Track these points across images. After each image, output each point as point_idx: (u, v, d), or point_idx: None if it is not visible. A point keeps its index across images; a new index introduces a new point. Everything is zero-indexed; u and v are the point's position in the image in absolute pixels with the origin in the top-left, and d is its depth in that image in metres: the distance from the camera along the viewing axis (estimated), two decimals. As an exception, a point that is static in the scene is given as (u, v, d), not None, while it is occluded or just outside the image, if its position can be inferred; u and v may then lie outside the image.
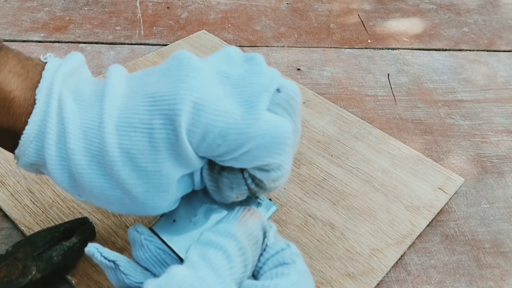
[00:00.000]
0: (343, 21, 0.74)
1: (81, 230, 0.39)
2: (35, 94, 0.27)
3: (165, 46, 0.64)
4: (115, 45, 0.65)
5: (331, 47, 0.68)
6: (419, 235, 0.44)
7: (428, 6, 0.80)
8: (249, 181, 0.29)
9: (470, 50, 0.70)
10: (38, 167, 0.29)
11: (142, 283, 0.29)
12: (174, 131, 0.26)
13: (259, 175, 0.28)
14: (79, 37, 0.66)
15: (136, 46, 0.65)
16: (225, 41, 0.66)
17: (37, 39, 0.65)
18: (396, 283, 0.41)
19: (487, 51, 0.71)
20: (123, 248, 0.40)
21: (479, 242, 0.45)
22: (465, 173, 0.51)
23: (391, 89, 0.62)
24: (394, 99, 0.60)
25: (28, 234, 0.40)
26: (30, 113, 0.27)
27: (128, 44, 0.66)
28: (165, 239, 0.31)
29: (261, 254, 0.29)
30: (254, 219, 0.29)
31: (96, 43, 0.65)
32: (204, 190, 0.32)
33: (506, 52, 0.71)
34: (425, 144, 0.54)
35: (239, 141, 0.26)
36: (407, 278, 0.41)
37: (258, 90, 0.27)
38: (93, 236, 0.40)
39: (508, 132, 0.57)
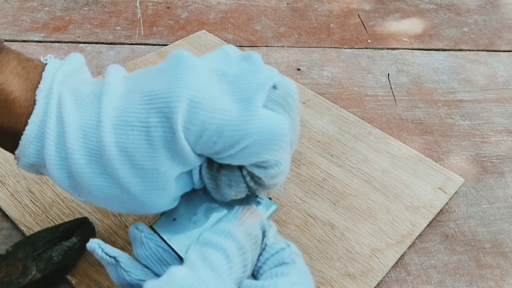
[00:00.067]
0: (343, 21, 0.74)
1: (81, 230, 0.39)
2: (35, 95, 0.27)
3: (165, 46, 0.64)
4: (115, 45, 0.65)
5: (331, 47, 0.68)
6: (419, 235, 0.44)
7: (428, 6, 0.80)
8: (248, 178, 0.29)
9: (470, 50, 0.70)
10: (38, 168, 0.30)
11: (142, 280, 0.29)
12: (170, 128, 0.26)
13: (257, 172, 0.29)
14: (79, 37, 0.66)
15: (136, 46, 0.65)
16: (225, 41, 0.66)
17: (37, 39, 0.65)
18: (396, 283, 0.41)
19: (487, 51, 0.71)
20: (123, 248, 0.40)
21: (479, 242, 0.45)
22: (465, 173, 0.51)
23: (391, 89, 0.62)
24: (394, 99, 0.60)
25: (28, 234, 0.40)
26: (30, 113, 0.27)
27: (128, 44, 0.66)
28: (165, 238, 0.31)
29: (260, 254, 0.29)
30: (253, 219, 0.29)
31: (96, 43, 0.65)
32: (204, 189, 0.32)
33: (506, 52, 0.71)
34: (425, 144, 0.54)
35: (235, 138, 0.26)
36: (407, 278, 0.41)
37: (254, 87, 0.27)
38: (93, 236, 0.40)
39: (508, 132, 0.57)
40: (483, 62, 0.68)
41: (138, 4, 0.74)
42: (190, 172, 0.30)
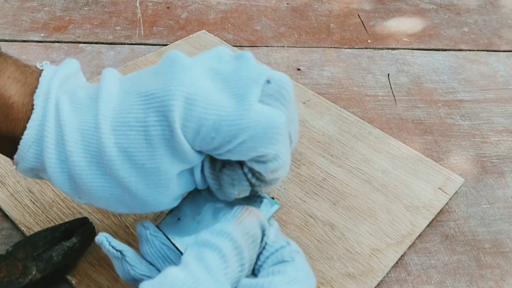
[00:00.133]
0: (343, 21, 0.74)
1: (81, 230, 0.39)
2: (33, 100, 0.28)
3: (165, 46, 0.64)
4: (115, 45, 0.65)
5: (331, 47, 0.68)
6: (419, 235, 0.44)
7: (428, 6, 0.80)
8: (249, 175, 0.30)
9: (470, 50, 0.70)
10: (37, 172, 0.30)
11: (146, 276, 0.30)
12: (169, 126, 0.26)
13: (256, 167, 0.29)
14: (79, 37, 0.66)
15: (136, 46, 0.65)
16: (225, 41, 0.66)
17: (37, 39, 0.65)
18: (396, 283, 0.41)
19: (487, 51, 0.71)
20: (123, 248, 0.40)
21: (479, 242, 0.45)
22: (465, 173, 0.51)
23: (391, 89, 0.62)
24: (394, 99, 0.60)
25: (28, 234, 0.40)
26: (29, 118, 0.28)
27: (128, 44, 0.66)
28: (169, 236, 0.32)
29: (260, 252, 0.29)
30: (251, 218, 0.29)
31: (96, 43, 0.65)
32: (209, 189, 0.33)
33: (506, 52, 0.71)
34: (425, 144, 0.54)
35: (232, 133, 0.26)
36: (407, 278, 0.41)
37: (248, 83, 0.28)
38: (93, 236, 0.40)
39: (508, 132, 0.57)
40: (483, 62, 0.68)
41: (138, 4, 0.74)
42: (191, 172, 0.30)
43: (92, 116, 0.27)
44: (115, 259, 0.31)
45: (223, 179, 0.30)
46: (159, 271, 0.31)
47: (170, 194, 0.29)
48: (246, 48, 0.67)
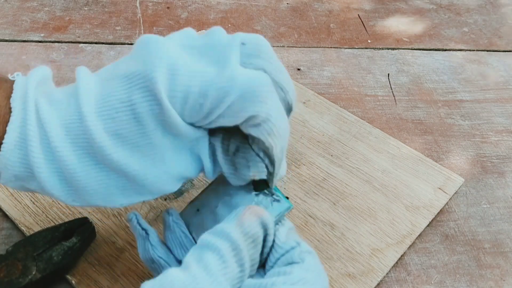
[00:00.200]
0: (343, 21, 0.74)
1: (81, 230, 0.39)
2: (10, 103, 0.27)
3: (165, 46, 0.64)
4: (115, 45, 0.65)
5: (331, 47, 0.68)
6: (419, 235, 0.44)
7: (428, 6, 0.80)
8: (261, 154, 0.30)
9: (470, 50, 0.70)
10: (23, 180, 0.28)
11: (163, 259, 0.32)
12: (155, 100, 0.26)
13: (253, 132, 0.29)
14: (79, 37, 0.66)
15: (136, 46, 0.65)
16: (225, 41, 0.66)
17: (37, 39, 0.65)
18: (396, 283, 0.41)
19: (487, 51, 0.71)
20: (123, 248, 0.40)
21: (479, 242, 0.45)
22: (465, 173, 0.51)
23: (391, 89, 0.62)
24: (394, 99, 0.60)
25: (28, 234, 0.40)
26: (7, 121, 0.27)
27: (128, 44, 0.66)
28: (187, 225, 0.34)
29: (270, 253, 0.30)
30: (252, 218, 0.29)
31: (96, 43, 0.65)
32: (226, 182, 0.33)
33: (506, 52, 0.71)
34: (425, 144, 0.54)
35: (220, 96, 0.27)
36: (407, 278, 0.41)
37: (224, 49, 0.28)
38: (93, 236, 0.40)
39: (508, 132, 0.57)
40: (483, 62, 0.68)
41: (138, 4, 0.74)
42: (195, 156, 0.30)
43: (74, 110, 0.27)
44: (140, 237, 0.33)
45: (239, 162, 0.30)
46: (175, 257, 0.32)
47: (168, 170, 0.29)
48: (246, 48, 0.67)
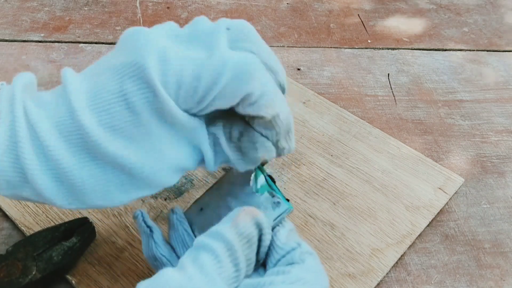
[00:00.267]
0: (343, 21, 0.74)
1: (81, 230, 0.39)
2: None
3: (165, 46, 0.64)
4: (115, 45, 0.65)
5: (331, 47, 0.68)
6: (419, 235, 0.44)
7: (428, 6, 0.80)
8: (264, 132, 0.30)
9: (470, 50, 0.70)
10: (16, 186, 0.28)
11: (165, 257, 0.33)
12: (148, 87, 0.26)
13: (252, 110, 0.28)
14: (79, 37, 0.66)
15: (136, 46, 0.65)
16: (225, 41, 0.66)
17: (37, 39, 0.65)
18: (396, 283, 0.41)
19: (487, 51, 0.71)
20: (123, 248, 0.40)
21: (479, 242, 0.45)
22: (465, 173, 0.51)
23: (391, 89, 0.62)
24: (394, 99, 0.60)
25: (28, 234, 0.40)
26: None
27: (128, 44, 0.65)
28: (190, 224, 0.34)
29: (270, 254, 0.30)
30: (246, 219, 0.29)
31: (96, 43, 0.65)
32: (230, 181, 0.33)
33: (506, 52, 0.71)
34: (425, 144, 0.54)
35: (213, 77, 0.26)
36: (407, 278, 0.41)
37: (211, 35, 0.28)
38: (93, 236, 0.40)
39: (508, 132, 0.57)
40: (483, 62, 0.68)
41: (138, 4, 0.74)
42: (193, 147, 0.30)
43: (64, 108, 0.27)
44: (144, 234, 0.33)
45: (245, 146, 0.30)
46: (178, 256, 0.32)
47: (165, 161, 0.29)
48: (246, 48, 0.67)
